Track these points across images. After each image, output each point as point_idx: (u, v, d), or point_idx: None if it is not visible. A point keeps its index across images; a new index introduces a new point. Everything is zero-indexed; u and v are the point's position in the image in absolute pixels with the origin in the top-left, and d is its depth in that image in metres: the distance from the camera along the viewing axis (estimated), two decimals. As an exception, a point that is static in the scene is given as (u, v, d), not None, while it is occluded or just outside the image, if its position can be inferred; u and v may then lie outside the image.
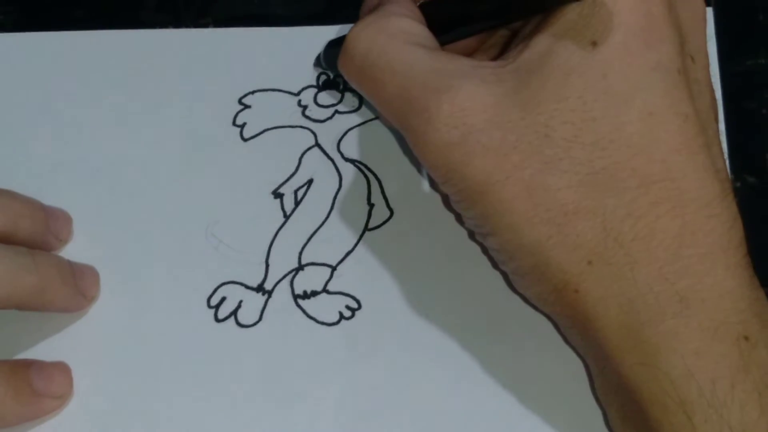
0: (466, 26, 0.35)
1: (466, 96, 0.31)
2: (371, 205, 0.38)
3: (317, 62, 0.40)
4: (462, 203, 0.33)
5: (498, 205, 0.31)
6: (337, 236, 0.38)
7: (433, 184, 0.38)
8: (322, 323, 0.37)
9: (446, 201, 0.38)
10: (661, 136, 0.30)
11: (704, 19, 0.33)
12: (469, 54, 0.36)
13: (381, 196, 0.38)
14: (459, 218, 0.37)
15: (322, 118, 0.40)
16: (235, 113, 0.40)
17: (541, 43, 0.31)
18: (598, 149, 0.30)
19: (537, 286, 0.32)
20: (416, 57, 0.33)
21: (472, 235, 0.37)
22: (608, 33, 0.30)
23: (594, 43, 0.30)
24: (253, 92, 0.40)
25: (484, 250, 0.36)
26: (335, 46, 0.36)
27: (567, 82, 0.30)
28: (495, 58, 0.35)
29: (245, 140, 0.40)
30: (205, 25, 0.42)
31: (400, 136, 0.39)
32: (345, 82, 0.40)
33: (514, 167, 0.31)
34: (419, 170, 0.39)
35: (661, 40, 0.31)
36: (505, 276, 0.36)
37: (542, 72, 0.31)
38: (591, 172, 0.30)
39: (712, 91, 0.33)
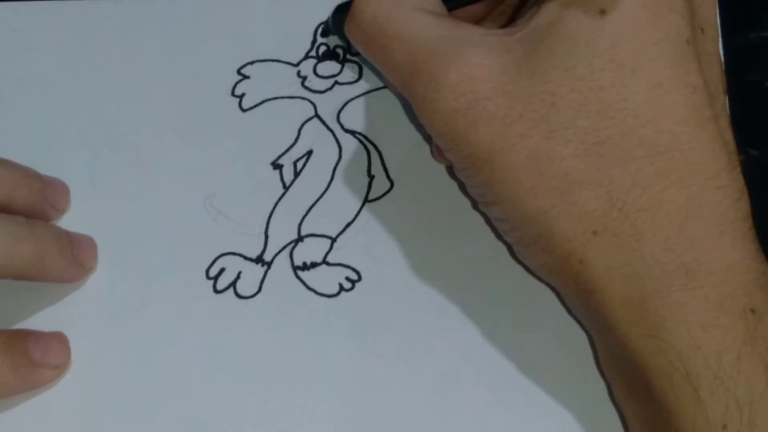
0: None
1: (473, 64, 0.31)
2: (371, 177, 0.38)
3: (325, 29, 0.40)
4: (467, 171, 0.32)
5: (502, 173, 0.31)
6: (337, 207, 0.38)
7: (435, 155, 0.37)
8: (322, 295, 0.36)
9: (450, 170, 0.37)
10: (669, 107, 0.30)
11: None
12: (478, 21, 0.36)
13: (381, 168, 0.38)
14: (463, 187, 0.37)
15: (321, 89, 0.40)
16: (233, 84, 0.40)
17: (549, 11, 0.31)
18: (604, 118, 0.30)
19: (541, 255, 0.32)
20: (424, 23, 0.32)
21: (475, 204, 0.36)
22: (617, 2, 0.30)
23: (603, 12, 0.30)
24: (252, 62, 0.40)
25: (488, 221, 0.36)
26: (343, 11, 0.36)
27: (575, 50, 0.30)
28: (503, 26, 0.35)
29: (244, 111, 0.39)
30: (204, -6, 0.41)
31: (401, 107, 0.39)
32: (345, 53, 0.40)
33: (519, 135, 0.30)
34: (420, 142, 0.38)
35: (670, 10, 0.30)
36: (509, 247, 0.36)
37: (550, 40, 0.31)
38: (597, 142, 0.30)
39: (721, 63, 0.33)
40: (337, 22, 0.38)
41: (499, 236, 0.36)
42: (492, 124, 0.31)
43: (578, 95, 0.30)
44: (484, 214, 0.36)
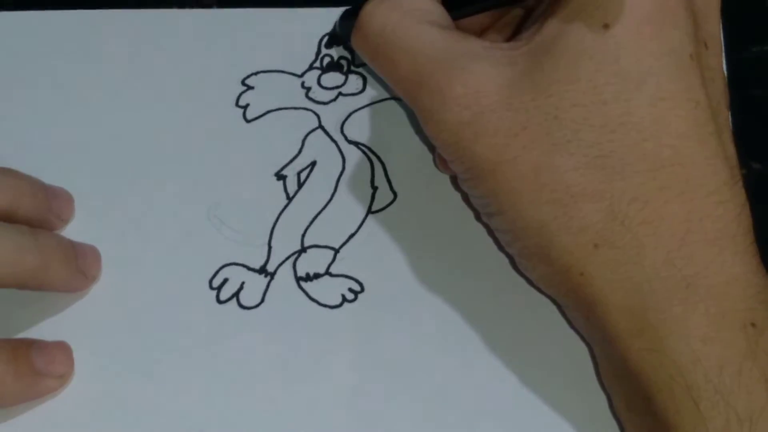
0: (479, 2, 0.34)
1: (478, 78, 0.31)
2: (375, 188, 0.38)
3: (329, 40, 0.40)
4: (470, 182, 0.33)
5: (505, 184, 0.31)
6: (340, 219, 0.38)
7: (438, 165, 0.38)
8: (325, 306, 0.36)
9: (454, 180, 0.38)
10: (672, 122, 0.30)
11: (719, 5, 0.33)
12: (483, 31, 0.36)
13: (384, 179, 0.38)
14: (466, 198, 0.37)
15: (325, 100, 0.40)
16: (238, 94, 0.40)
17: (553, 25, 0.31)
18: (607, 132, 0.30)
19: (542, 267, 0.32)
20: (430, 37, 0.33)
21: (478, 215, 0.36)
22: (620, 16, 0.30)
23: (606, 26, 0.30)
24: (256, 73, 0.40)
25: (490, 232, 0.36)
26: (350, 16, 0.36)
27: (578, 64, 0.30)
28: (509, 38, 0.35)
29: (248, 121, 0.39)
30: (209, 6, 0.41)
31: (405, 119, 0.39)
32: (349, 65, 0.40)
33: (522, 147, 0.31)
34: (423, 153, 0.38)
35: (674, 25, 0.30)
36: (511, 259, 0.36)
37: (554, 54, 0.31)
38: (599, 155, 0.30)
39: (724, 78, 0.33)
40: (344, 28, 0.38)
41: (501, 247, 0.36)
42: (495, 136, 0.31)
43: (582, 109, 0.30)
44: (486, 225, 0.36)
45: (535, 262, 0.32)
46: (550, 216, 0.31)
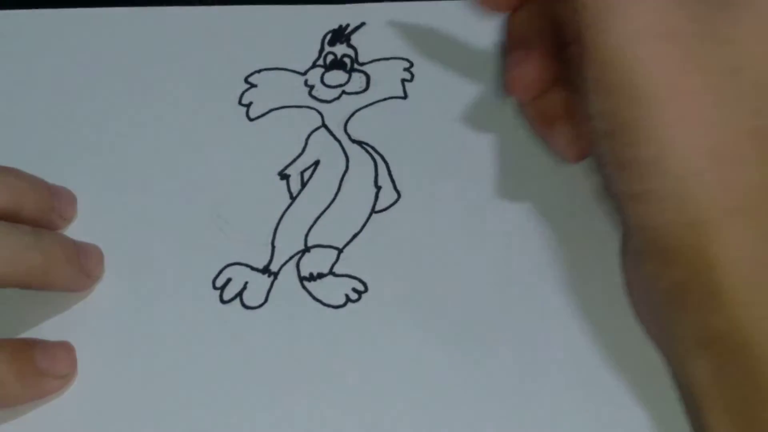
0: None
1: (662, 6, 0.30)
2: (378, 188, 0.38)
3: (333, 36, 0.40)
4: (615, 102, 0.31)
5: (660, 119, 0.30)
6: (344, 218, 0.38)
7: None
8: (329, 306, 0.36)
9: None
10: None
11: None
12: None
13: (388, 179, 0.38)
14: (578, 118, 0.36)
15: (329, 98, 0.40)
16: (241, 92, 0.40)
17: None
18: None
19: (667, 215, 0.31)
20: None
21: (595, 138, 0.33)
22: None
23: None
24: (259, 71, 0.40)
25: (596, 164, 0.36)
26: None
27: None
28: None
29: (251, 120, 0.39)
30: (212, 3, 0.41)
31: (408, 117, 0.39)
32: (352, 62, 0.40)
33: (685, 91, 0.30)
34: (427, 152, 0.38)
35: None
36: (613, 200, 0.35)
37: (745, 9, 0.30)
38: (763, 126, 0.30)
39: None
40: None
41: (606, 184, 0.35)
42: (662, 69, 0.30)
43: (756, 73, 0.29)
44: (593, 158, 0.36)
45: (660, 208, 0.31)
46: (698, 168, 0.29)
